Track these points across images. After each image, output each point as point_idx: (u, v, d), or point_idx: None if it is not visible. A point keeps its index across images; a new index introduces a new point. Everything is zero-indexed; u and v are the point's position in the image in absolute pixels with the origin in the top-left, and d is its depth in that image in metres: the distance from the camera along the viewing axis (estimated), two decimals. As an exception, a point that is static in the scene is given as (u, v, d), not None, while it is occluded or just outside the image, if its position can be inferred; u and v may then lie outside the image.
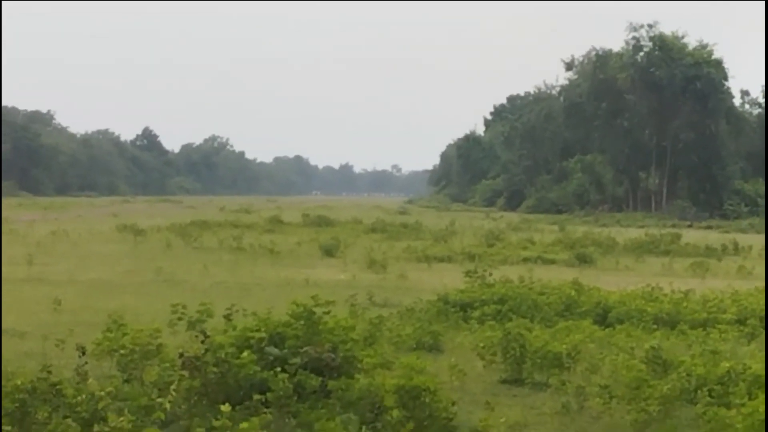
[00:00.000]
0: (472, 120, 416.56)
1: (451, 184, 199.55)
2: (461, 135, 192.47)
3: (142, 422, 10.94)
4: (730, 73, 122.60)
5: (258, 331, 13.40)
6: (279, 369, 12.38)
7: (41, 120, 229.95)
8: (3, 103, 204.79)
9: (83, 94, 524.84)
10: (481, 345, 17.20)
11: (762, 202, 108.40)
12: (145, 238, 52.97)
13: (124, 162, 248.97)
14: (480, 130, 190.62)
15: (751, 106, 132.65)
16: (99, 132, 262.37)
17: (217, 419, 10.71)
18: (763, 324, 21.05)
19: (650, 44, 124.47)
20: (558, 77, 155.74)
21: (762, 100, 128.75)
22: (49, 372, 12.25)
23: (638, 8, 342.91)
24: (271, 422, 11.49)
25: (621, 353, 17.02)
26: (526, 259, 42.67)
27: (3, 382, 12.15)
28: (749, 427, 11.81)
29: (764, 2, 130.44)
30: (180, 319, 17.99)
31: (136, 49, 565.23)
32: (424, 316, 21.97)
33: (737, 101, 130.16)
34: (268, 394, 11.99)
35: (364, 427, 11.77)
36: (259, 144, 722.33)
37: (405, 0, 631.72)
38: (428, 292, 26.90)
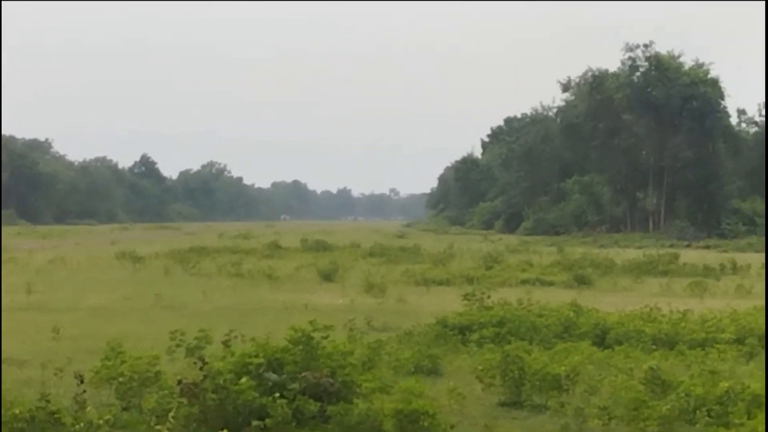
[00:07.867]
0: (470, 142, 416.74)
1: (450, 207, 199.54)
2: (459, 158, 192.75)
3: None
4: (726, 92, 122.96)
5: (256, 356, 13.39)
6: (278, 395, 12.40)
7: (39, 148, 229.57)
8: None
9: (80, 121, 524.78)
10: (480, 368, 17.17)
11: (759, 221, 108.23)
12: (144, 264, 52.97)
13: (122, 189, 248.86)
14: (477, 152, 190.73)
15: (747, 124, 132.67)
16: (97, 159, 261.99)
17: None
18: (762, 343, 21.00)
19: (646, 64, 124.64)
20: (555, 98, 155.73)
21: (758, 119, 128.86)
22: (48, 401, 12.27)
23: (635, 26, 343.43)
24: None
25: (620, 374, 17.05)
26: (524, 282, 42.63)
27: (2, 411, 12.17)
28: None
29: (765, 12, 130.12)
30: (178, 345, 17.97)
31: (133, 77, 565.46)
32: (422, 340, 21.93)
33: (734, 120, 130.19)
34: (267, 420, 12.01)
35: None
36: (256, 169, 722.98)
37: (400, 24, 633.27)
38: (427, 315, 26.86)
